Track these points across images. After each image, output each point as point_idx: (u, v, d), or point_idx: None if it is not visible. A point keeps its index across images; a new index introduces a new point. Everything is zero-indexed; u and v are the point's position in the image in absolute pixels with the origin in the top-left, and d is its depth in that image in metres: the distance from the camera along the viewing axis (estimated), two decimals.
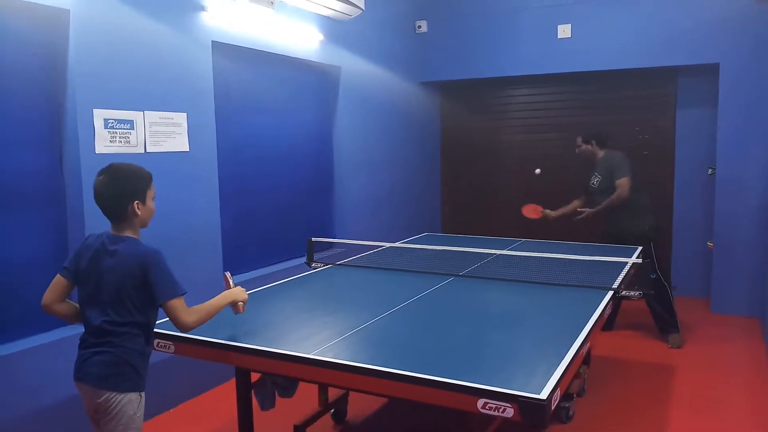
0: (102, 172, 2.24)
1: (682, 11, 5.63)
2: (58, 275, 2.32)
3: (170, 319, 2.22)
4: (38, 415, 3.10)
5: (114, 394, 2.19)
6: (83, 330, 2.29)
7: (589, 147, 5.11)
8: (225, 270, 2.58)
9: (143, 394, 2.29)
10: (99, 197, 2.23)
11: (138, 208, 2.23)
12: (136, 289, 2.19)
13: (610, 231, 5.00)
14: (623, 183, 4.82)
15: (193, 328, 2.26)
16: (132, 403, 2.22)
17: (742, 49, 5.43)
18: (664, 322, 4.89)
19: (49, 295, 2.31)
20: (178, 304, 2.20)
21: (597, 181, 5.01)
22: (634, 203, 4.84)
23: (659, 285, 4.81)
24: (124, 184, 2.22)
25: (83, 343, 2.27)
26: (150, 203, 2.30)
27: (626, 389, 4.04)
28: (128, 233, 2.26)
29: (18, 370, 3.02)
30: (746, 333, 5.18)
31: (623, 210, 4.85)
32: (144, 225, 2.32)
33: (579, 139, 5.19)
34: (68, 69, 3.24)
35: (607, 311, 3.00)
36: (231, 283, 2.59)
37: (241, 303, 2.49)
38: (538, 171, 5.28)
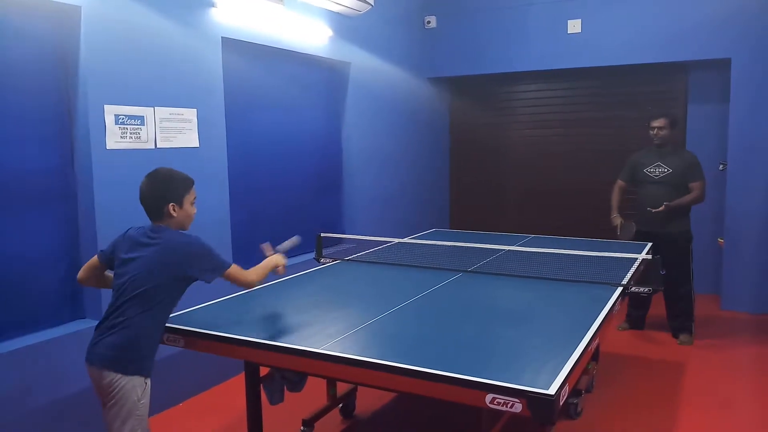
0: (147, 175, 2.48)
1: (693, 6, 5.58)
2: (95, 256, 2.58)
3: (236, 283, 2.55)
4: (53, 406, 3.13)
5: (119, 376, 2.26)
6: (98, 321, 2.38)
7: (671, 133, 4.68)
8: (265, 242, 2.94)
9: (149, 381, 2.34)
10: (141, 198, 2.45)
11: (174, 210, 2.43)
12: (176, 274, 2.37)
13: (645, 230, 4.69)
14: (702, 187, 4.63)
15: (258, 282, 2.63)
16: (136, 388, 2.29)
17: (754, 44, 5.38)
18: (682, 323, 4.84)
19: (82, 272, 2.59)
20: (233, 270, 2.50)
21: (661, 173, 4.69)
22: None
23: (687, 286, 4.77)
24: (162, 187, 2.44)
25: (98, 327, 2.36)
26: (188, 207, 2.49)
27: (635, 386, 4.03)
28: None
29: (32, 363, 3.05)
30: (756, 330, 5.16)
31: (674, 211, 4.66)
32: (182, 227, 2.50)
33: (664, 121, 4.67)
34: (79, 65, 3.26)
35: (617, 307, 2.99)
36: (272, 250, 2.87)
37: (281, 266, 2.78)
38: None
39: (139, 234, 2.43)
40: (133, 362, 2.30)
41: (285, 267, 2.82)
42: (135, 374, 2.29)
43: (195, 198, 2.52)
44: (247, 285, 2.59)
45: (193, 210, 2.52)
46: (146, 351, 2.35)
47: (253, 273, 2.61)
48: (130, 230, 2.48)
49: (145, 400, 2.33)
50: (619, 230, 4.78)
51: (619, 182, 5.05)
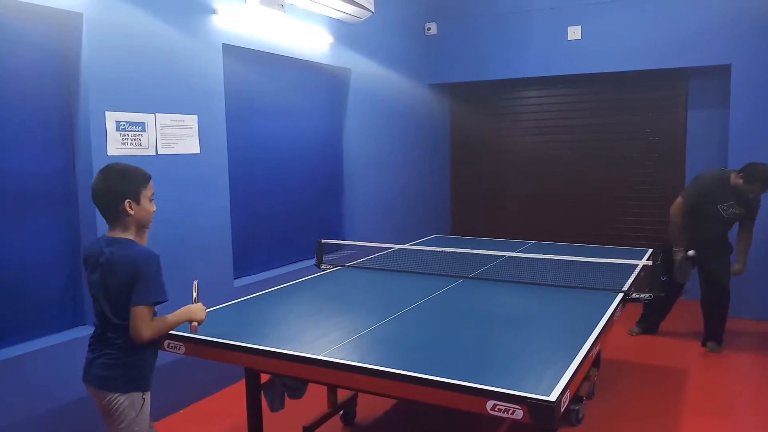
0: (99, 171, 2.29)
1: (693, 12, 5.60)
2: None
3: (135, 324, 2.18)
4: (51, 414, 3.13)
5: (117, 395, 2.23)
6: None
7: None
8: (195, 279, 2.58)
9: (147, 394, 2.31)
10: (93, 196, 2.28)
11: (130, 207, 2.24)
12: (131, 290, 2.19)
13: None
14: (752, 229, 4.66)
15: (145, 341, 2.22)
16: (134, 405, 2.26)
17: (754, 50, 5.39)
18: (717, 330, 4.80)
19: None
20: (142, 312, 2.18)
21: (733, 213, 4.58)
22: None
23: (726, 293, 4.75)
24: (115, 183, 2.25)
25: (89, 346, 2.32)
26: (146, 203, 2.29)
27: (636, 392, 4.02)
28: (123, 235, 2.27)
29: (32, 370, 3.05)
30: (760, 337, 5.14)
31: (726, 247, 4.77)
32: (142, 225, 2.32)
33: (759, 188, 4.45)
34: (81, 72, 3.27)
35: (618, 314, 2.99)
36: (195, 294, 2.50)
37: (195, 323, 2.43)
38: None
39: (95, 249, 2.28)
40: (130, 380, 2.25)
41: (200, 325, 2.46)
42: (133, 391, 2.25)
43: (153, 194, 2.33)
44: (136, 335, 2.18)
45: (153, 207, 2.33)
46: (141, 367, 2.28)
47: (156, 328, 2.23)
48: (88, 244, 2.35)
49: (144, 415, 2.29)
50: (678, 267, 4.57)
51: (684, 208, 4.67)
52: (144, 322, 2.18)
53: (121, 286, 2.19)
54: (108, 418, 2.26)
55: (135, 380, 2.26)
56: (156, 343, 2.37)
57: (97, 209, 2.32)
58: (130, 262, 2.19)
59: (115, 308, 2.21)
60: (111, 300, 2.22)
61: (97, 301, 2.27)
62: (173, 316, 2.35)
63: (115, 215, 2.26)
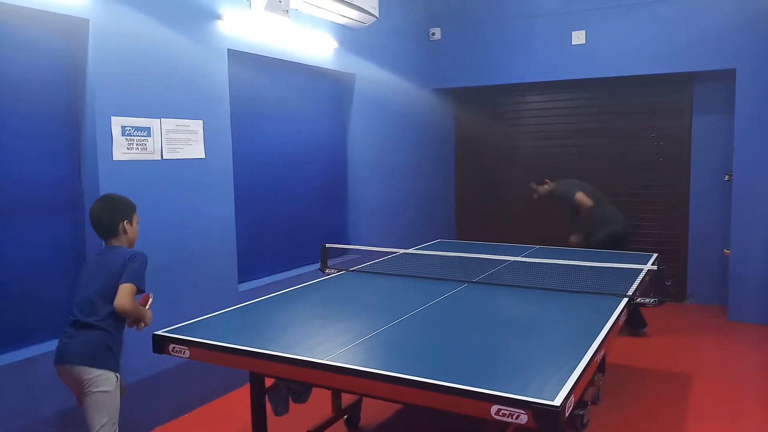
0: (97, 200, 2.80)
1: (698, 17, 5.60)
2: None
3: (117, 295, 2.59)
4: (59, 415, 3.13)
5: (98, 370, 2.56)
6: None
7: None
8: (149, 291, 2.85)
9: (119, 375, 2.65)
10: (95, 218, 2.75)
11: (126, 227, 2.78)
12: (120, 276, 2.62)
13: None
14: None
15: (125, 312, 2.61)
16: (110, 380, 2.59)
17: (759, 54, 5.38)
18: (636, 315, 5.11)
19: None
20: (129, 288, 2.61)
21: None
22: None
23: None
24: (118, 206, 2.79)
25: (65, 333, 2.64)
26: (135, 226, 2.85)
27: (641, 397, 4.01)
28: (119, 243, 2.77)
29: (39, 373, 3.06)
30: (764, 341, 5.12)
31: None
32: (131, 245, 2.82)
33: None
34: (87, 77, 3.29)
35: (622, 318, 2.99)
36: (148, 305, 2.80)
37: (143, 324, 2.76)
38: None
39: (96, 255, 2.80)
40: (107, 359, 2.60)
41: (145, 326, 2.80)
42: (109, 369, 2.59)
43: (138, 221, 2.86)
44: (120, 305, 2.58)
45: (138, 230, 2.86)
46: (115, 349, 2.64)
47: (135, 306, 2.66)
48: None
49: (117, 394, 2.62)
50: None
51: None
52: (129, 297, 2.61)
53: (113, 273, 2.62)
54: (86, 390, 2.55)
55: (110, 360, 2.61)
56: (123, 330, 2.71)
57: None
58: (125, 254, 2.69)
59: (104, 294, 2.61)
60: (102, 287, 2.62)
61: (85, 292, 2.63)
62: (140, 309, 2.75)
63: (114, 232, 2.76)
